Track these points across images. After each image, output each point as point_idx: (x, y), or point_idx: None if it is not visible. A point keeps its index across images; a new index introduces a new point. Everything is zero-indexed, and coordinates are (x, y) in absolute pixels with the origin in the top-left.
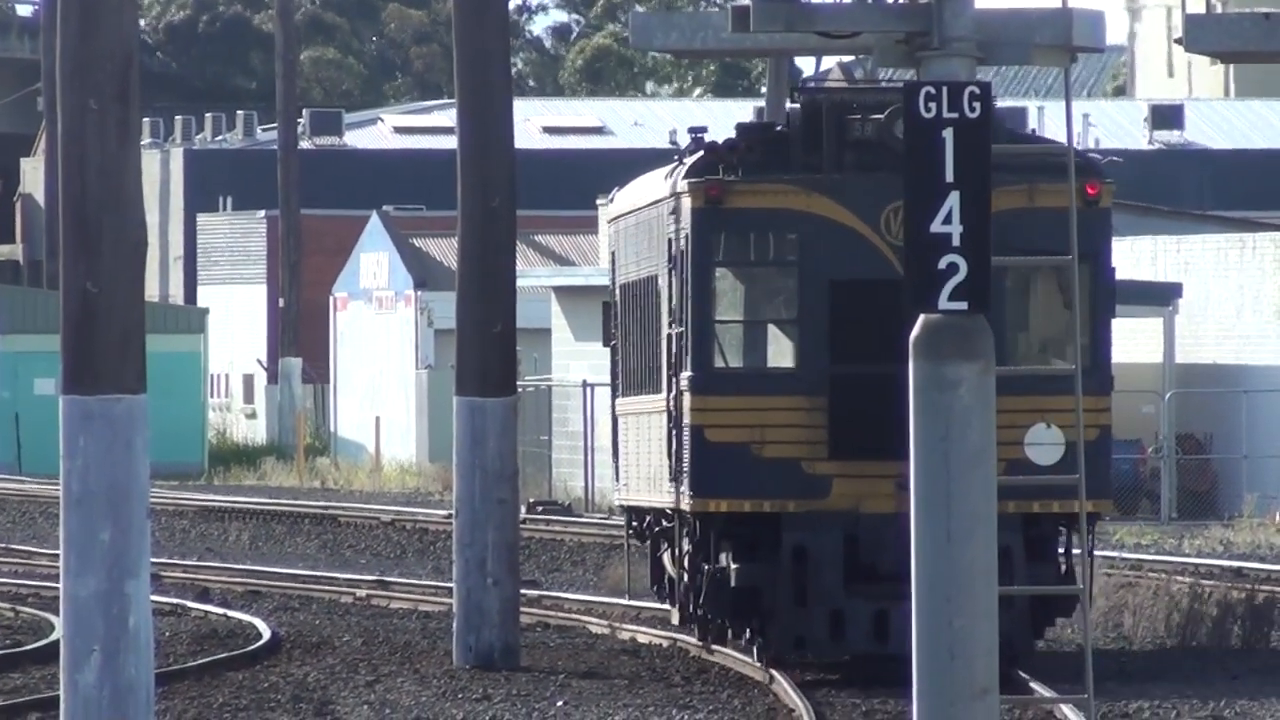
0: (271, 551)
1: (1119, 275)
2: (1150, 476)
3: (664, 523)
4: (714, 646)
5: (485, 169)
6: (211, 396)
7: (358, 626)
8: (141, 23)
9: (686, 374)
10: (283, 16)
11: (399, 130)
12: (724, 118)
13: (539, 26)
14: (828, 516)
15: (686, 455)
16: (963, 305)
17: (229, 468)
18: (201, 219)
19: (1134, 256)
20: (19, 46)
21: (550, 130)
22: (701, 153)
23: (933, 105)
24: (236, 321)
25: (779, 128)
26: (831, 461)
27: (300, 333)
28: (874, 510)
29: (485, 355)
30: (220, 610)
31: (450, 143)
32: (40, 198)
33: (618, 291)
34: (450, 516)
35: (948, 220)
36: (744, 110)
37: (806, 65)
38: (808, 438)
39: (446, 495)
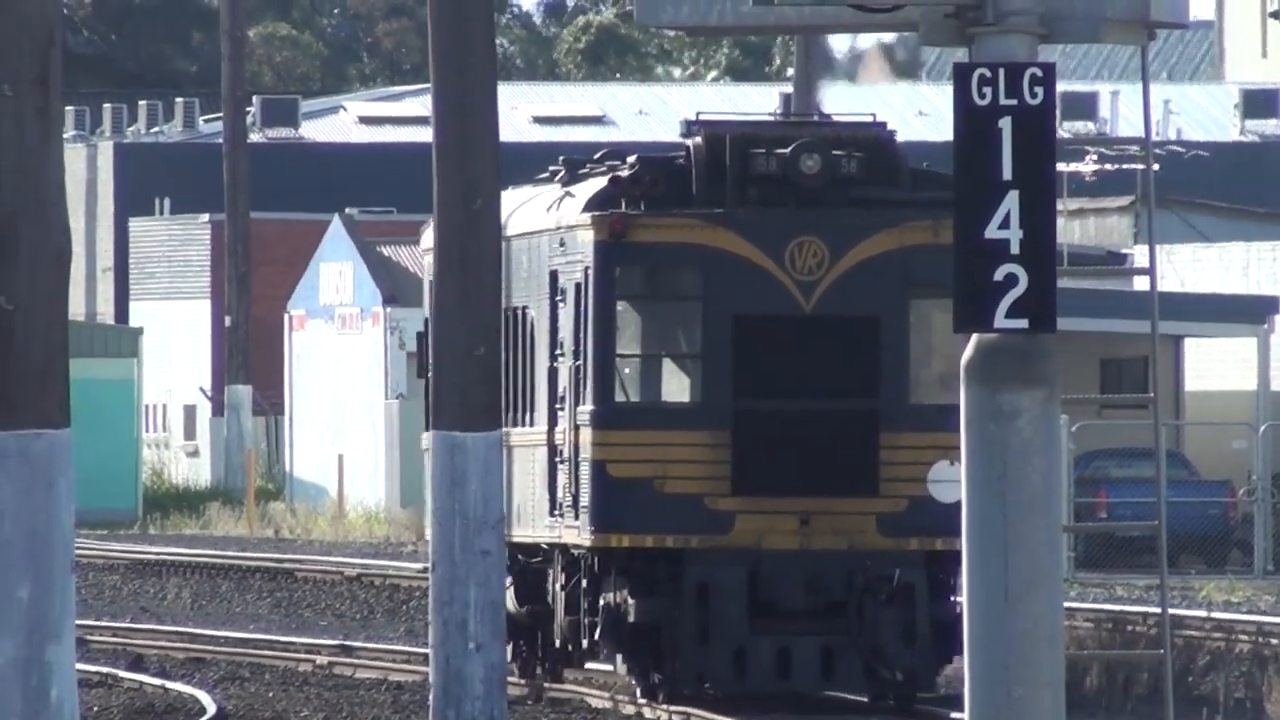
0: (217, 612)
1: (1204, 287)
2: (1241, 523)
3: (525, 558)
4: (548, 684)
5: (466, 165)
6: (146, 431)
7: (318, 700)
8: None
9: (587, 408)
10: None
11: (364, 120)
12: (744, 105)
13: (528, 1)
14: (730, 553)
15: (586, 489)
16: (1022, 323)
17: (167, 514)
18: (134, 224)
19: (1223, 266)
20: None
21: (542, 120)
22: (603, 183)
23: (987, 90)
24: (176, 343)
25: (679, 160)
26: (734, 497)
27: (250, 356)
28: (777, 546)
29: (466, 383)
30: (157, 681)
31: (425, 135)
32: None
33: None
34: (425, 571)
35: (1005, 224)
36: (767, 97)
37: (841, 44)
38: (711, 473)
39: (421, 546)
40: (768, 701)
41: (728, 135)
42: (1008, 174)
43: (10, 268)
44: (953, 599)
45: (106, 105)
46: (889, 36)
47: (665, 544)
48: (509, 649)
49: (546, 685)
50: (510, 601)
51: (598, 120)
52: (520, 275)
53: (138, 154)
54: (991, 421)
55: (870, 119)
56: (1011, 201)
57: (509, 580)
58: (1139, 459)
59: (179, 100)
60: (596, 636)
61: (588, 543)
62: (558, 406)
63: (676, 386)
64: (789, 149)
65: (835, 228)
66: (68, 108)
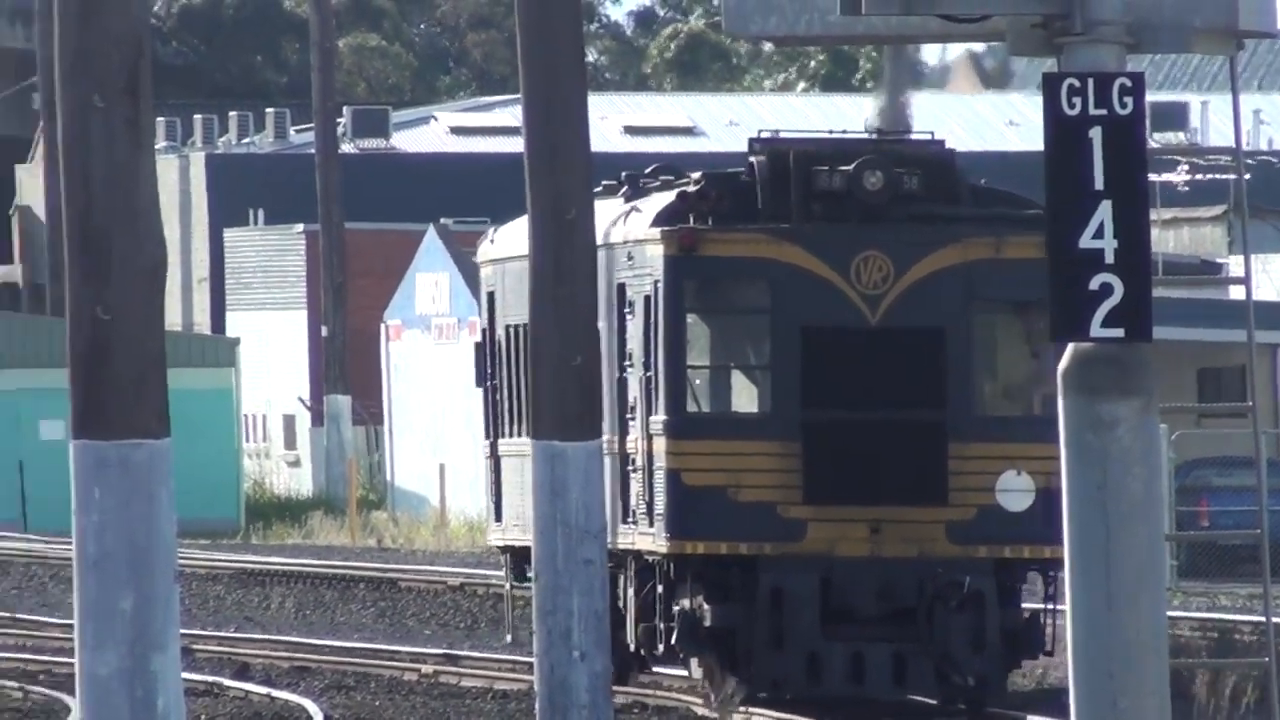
0: (321, 621)
1: None
2: None
3: None
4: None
5: (557, 176)
6: (246, 441)
7: (423, 709)
8: (155, 6)
9: (660, 418)
10: None
11: (456, 130)
12: (834, 115)
13: (618, 11)
14: (803, 559)
15: (660, 497)
16: (1118, 332)
17: (269, 524)
18: (229, 234)
19: None
20: (10, 34)
21: (632, 130)
22: (671, 199)
23: (1077, 100)
24: (273, 353)
25: (744, 176)
26: (806, 506)
27: (347, 366)
28: (848, 554)
29: (564, 392)
30: (263, 690)
31: (516, 145)
32: (40, 210)
33: (504, 332)
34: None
35: (1099, 234)
36: (857, 107)
37: (930, 54)
38: (782, 482)
39: None
40: (841, 706)
41: (791, 152)
42: (1100, 184)
43: (105, 279)
44: (1021, 605)
45: (197, 116)
46: (978, 46)
47: (739, 551)
48: None
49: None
50: None
51: (688, 131)
52: None
53: (230, 165)
54: (1090, 431)
55: (929, 137)
56: (1104, 211)
57: None
58: (1239, 467)
59: (269, 111)
60: (673, 641)
61: (663, 549)
62: (628, 416)
63: (747, 397)
64: (852, 166)
65: (899, 243)
66: (159, 119)
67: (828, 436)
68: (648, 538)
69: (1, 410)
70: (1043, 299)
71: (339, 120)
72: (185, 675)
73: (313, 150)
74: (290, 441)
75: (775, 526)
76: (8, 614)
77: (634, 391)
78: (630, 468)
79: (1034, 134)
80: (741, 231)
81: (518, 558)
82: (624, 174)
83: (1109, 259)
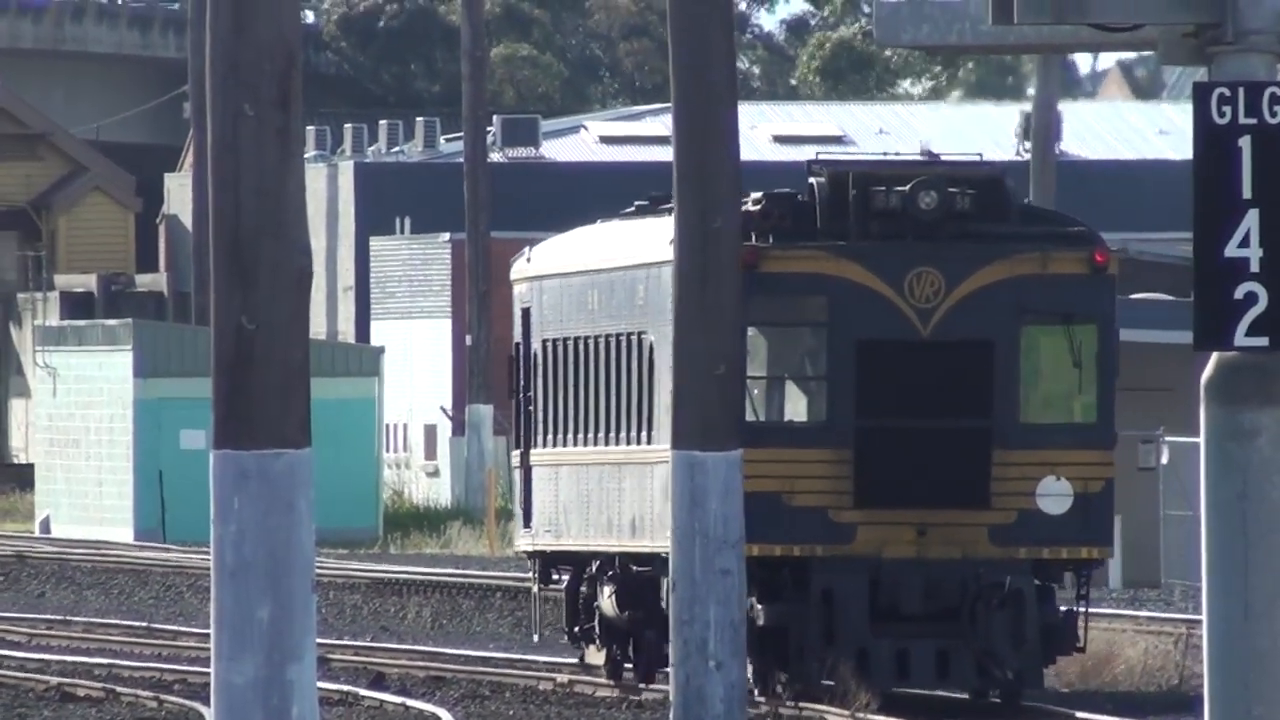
0: (457, 631)
1: None
2: None
3: (633, 566)
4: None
5: (705, 185)
6: (387, 451)
7: (558, 718)
8: (309, 16)
9: None
10: (470, 7)
11: (605, 140)
12: (983, 123)
13: (770, 21)
14: (853, 561)
15: None
16: (1262, 341)
17: (408, 533)
18: (375, 243)
19: None
20: (162, 44)
21: (782, 139)
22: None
23: (1227, 109)
24: (416, 362)
25: (800, 197)
26: (856, 510)
27: (491, 375)
28: (896, 555)
29: (706, 402)
30: (398, 699)
31: (665, 154)
32: (187, 220)
33: (541, 346)
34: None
35: (1244, 243)
36: (1008, 115)
37: (1082, 62)
38: (834, 487)
39: None
40: (959, 709)
41: (850, 173)
42: (1248, 193)
43: (251, 288)
44: (1054, 605)
45: (347, 125)
46: (1129, 55)
47: (793, 553)
48: (603, 654)
49: (790, 706)
50: (610, 607)
51: (837, 140)
52: (635, 303)
53: (379, 174)
54: (1231, 440)
55: (979, 158)
56: (1251, 220)
57: (610, 588)
58: None
59: (419, 120)
60: None
61: None
62: None
63: (802, 406)
64: (908, 186)
65: (951, 259)
66: (309, 127)
67: (878, 444)
68: None
69: (143, 419)
70: (1085, 311)
71: (489, 129)
72: (320, 685)
73: (461, 159)
74: (430, 451)
75: (827, 530)
76: (144, 624)
77: None
78: None
79: (1184, 143)
80: (801, 248)
81: (545, 563)
82: (651, 195)
83: (1254, 268)
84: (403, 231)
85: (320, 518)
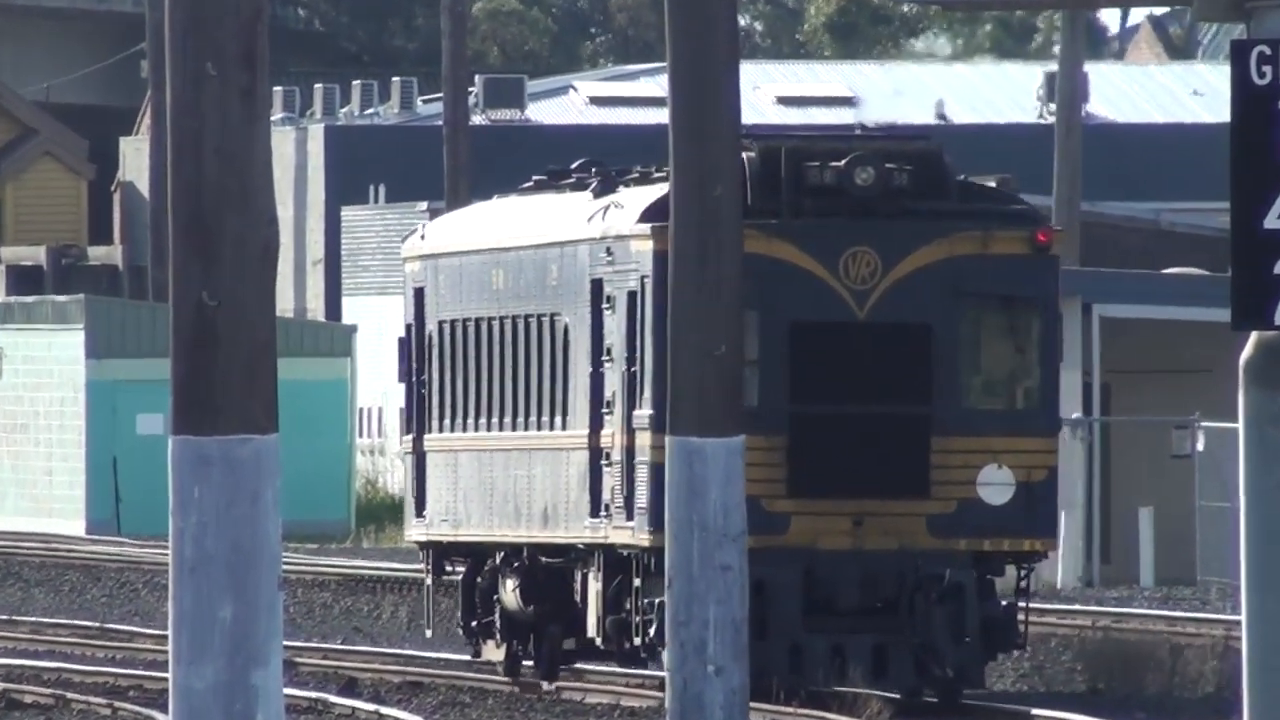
0: (436, 632)
1: None
2: None
3: (542, 558)
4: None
5: (704, 150)
6: (360, 436)
7: None
8: None
9: (645, 412)
10: None
11: (595, 101)
12: (1003, 84)
13: None
14: (786, 552)
15: (643, 491)
16: None
17: (382, 526)
18: (347, 213)
19: None
20: None
21: (787, 101)
22: (659, 194)
23: (1267, 69)
24: (392, 342)
25: None
26: (790, 499)
27: None
28: (831, 547)
29: (704, 384)
30: (371, 707)
31: (660, 116)
32: (144, 187)
33: (448, 327)
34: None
35: None
36: (1030, 76)
37: (1111, 20)
38: (767, 475)
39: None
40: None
41: (783, 148)
42: None
43: (213, 261)
44: (995, 599)
45: (318, 85)
46: (1161, 10)
47: None
48: (503, 649)
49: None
50: (513, 600)
51: (847, 101)
52: (548, 284)
53: (351, 137)
54: (1272, 425)
55: (918, 133)
56: None
57: (514, 580)
58: None
59: (395, 80)
60: (651, 634)
61: (645, 543)
62: (604, 411)
63: None
64: (843, 162)
65: (888, 238)
66: (276, 88)
67: (813, 430)
68: (625, 531)
69: (96, 403)
70: (1028, 294)
71: (470, 90)
72: (287, 691)
73: (441, 122)
74: None
75: (759, 519)
76: (97, 624)
77: (611, 387)
78: (604, 462)
79: (1220, 105)
80: None
81: (438, 553)
82: (548, 168)
83: None
84: (377, 200)
85: (288, 509)
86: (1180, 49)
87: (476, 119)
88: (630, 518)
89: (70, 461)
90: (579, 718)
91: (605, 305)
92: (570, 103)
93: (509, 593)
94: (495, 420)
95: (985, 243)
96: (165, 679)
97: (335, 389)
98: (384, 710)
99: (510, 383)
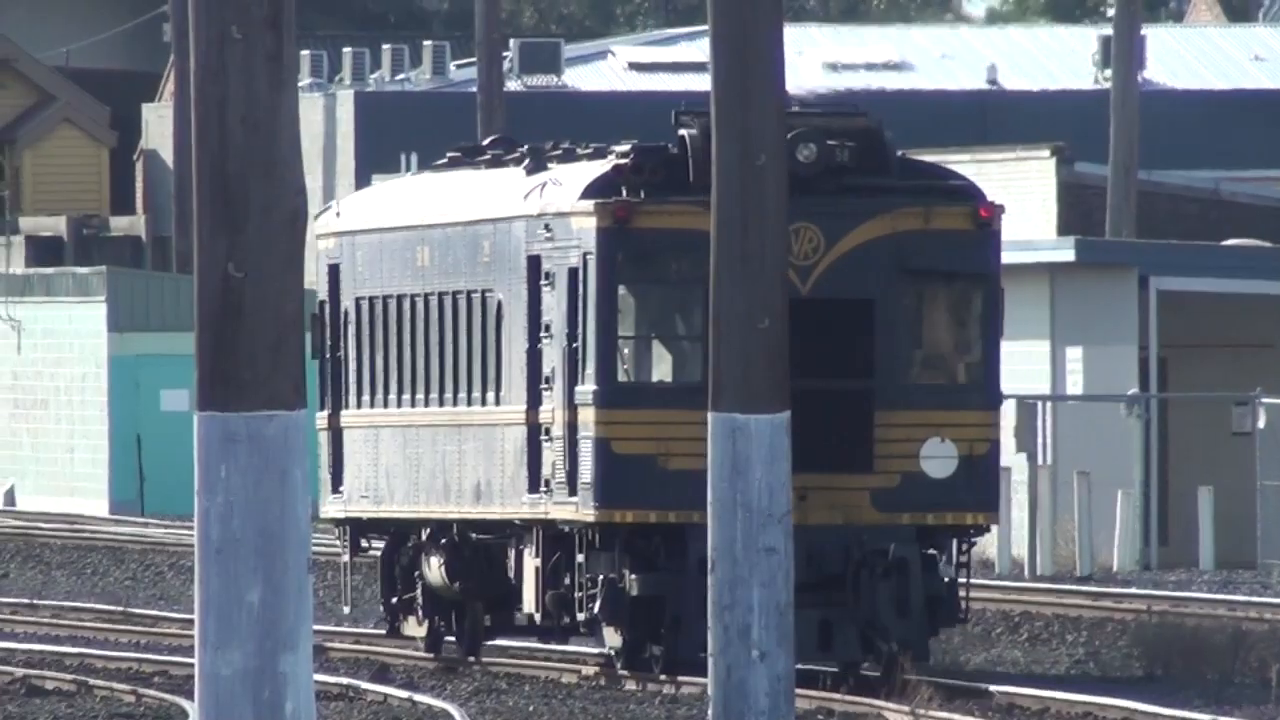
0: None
1: None
2: None
3: (470, 534)
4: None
5: (747, 117)
6: None
7: (583, 715)
8: None
9: (589, 388)
10: None
11: (634, 66)
12: (1055, 48)
13: None
14: None
15: (587, 466)
16: None
17: None
18: (378, 181)
19: None
20: None
21: (834, 66)
22: (600, 171)
23: None
24: None
25: (673, 149)
26: None
27: None
28: None
29: (748, 358)
30: (404, 694)
31: (702, 83)
32: (168, 155)
33: (366, 304)
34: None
35: None
36: (1084, 39)
37: None
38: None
39: None
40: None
41: None
42: None
43: (239, 231)
44: (938, 573)
45: (347, 50)
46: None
47: (668, 519)
48: (424, 626)
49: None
50: (438, 577)
51: (895, 66)
52: (480, 260)
53: (381, 104)
54: None
55: (856, 109)
56: None
57: (439, 557)
58: None
59: (427, 44)
60: (595, 610)
61: (590, 518)
62: (543, 387)
63: (678, 367)
64: (785, 139)
65: (830, 214)
66: (304, 52)
67: None
68: (567, 507)
69: (119, 379)
70: (969, 268)
71: (505, 54)
72: (317, 677)
73: (474, 88)
74: None
75: (704, 495)
76: (120, 608)
77: (551, 363)
78: (544, 438)
79: None
80: (674, 204)
81: (355, 530)
82: (460, 144)
83: None
84: (408, 168)
85: (317, 488)
86: (1240, 11)
87: (511, 85)
88: (573, 493)
89: (92, 439)
90: (619, 704)
91: (544, 281)
92: (609, 68)
93: (433, 569)
94: (420, 396)
95: (927, 218)
96: (191, 665)
97: None
98: (417, 697)
99: (437, 359)
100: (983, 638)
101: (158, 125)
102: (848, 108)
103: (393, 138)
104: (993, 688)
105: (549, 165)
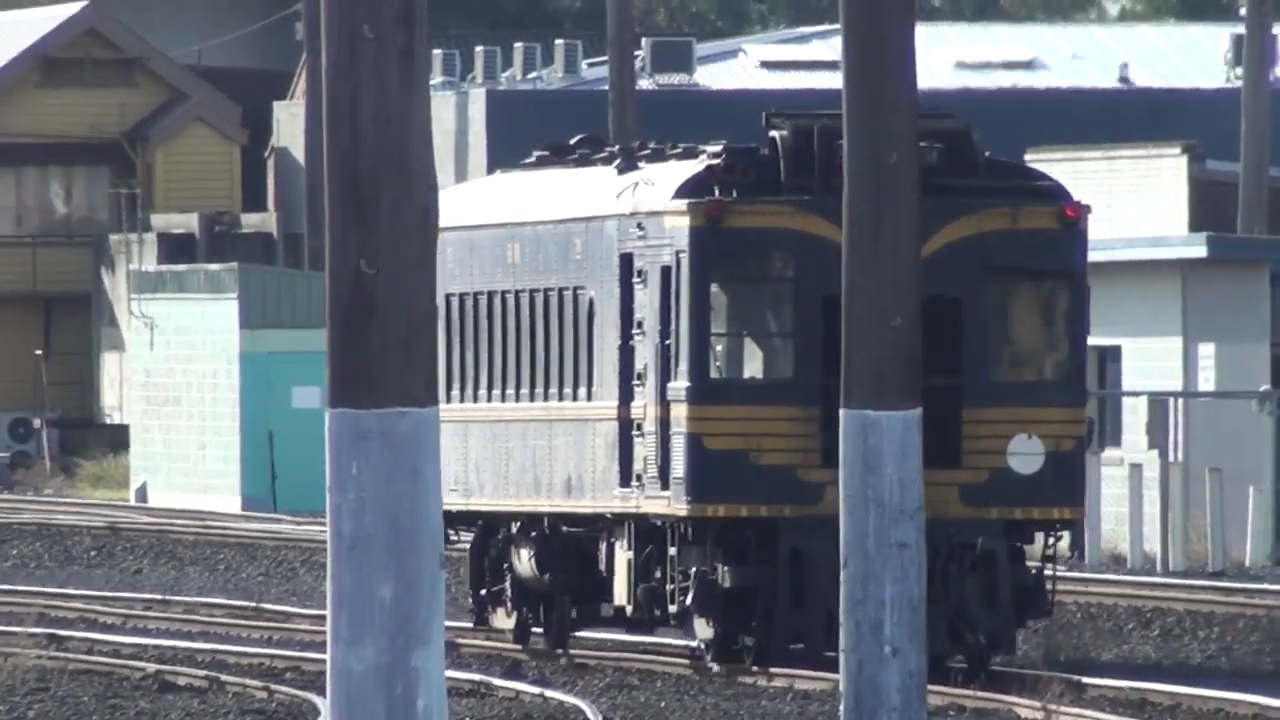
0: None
1: None
2: None
3: (563, 527)
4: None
5: (879, 115)
6: None
7: (714, 710)
8: None
9: (681, 384)
10: None
11: (766, 65)
12: (1187, 47)
13: None
14: (821, 521)
15: (679, 461)
16: None
17: None
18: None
19: None
20: None
21: (965, 66)
22: (693, 171)
23: None
24: None
25: (764, 151)
26: (824, 469)
27: None
28: None
29: (880, 355)
30: (535, 690)
31: (833, 81)
32: (299, 153)
33: (457, 300)
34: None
35: None
36: (1216, 38)
37: None
38: (802, 446)
39: None
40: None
41: (814, 127)
42: None
43: (371, 229)
44: (1025, 565)
45: (478, 48)
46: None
47: (760, 514)
48: (513, 618)
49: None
50: (528, 569)
51: (1027, 65)
52: (571, 257)
53: (513, 102)
54: None
55: (948, 114)
56: None
57: (529, 550)
58: None
59: (559, 43)
60: (689, 602)
61: (682, 512)
62: (634, 383)
63: (769, 364)
64: (917, 137)
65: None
66: (436, 50)
67: None
68: (659, 501)
69: (251, 376)
70: (1056, 267)
71: (636, 53)
72: (449, 673)
73: (606, 86)
74: None
75: (795, 489)
76: (253, 604)
77: (643, 359)
78: (636, 433)
79: None
80: (766, 203)
81: (445, 523)
82: (548, 143)
83: None
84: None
85: None
86: None
87: (643, 83)
88: (665, 487)
89: (224, 436)
90: (750, 700)
91: (636, 279)
92: (740, 66)
93: (523, 561)
94: (511, 391)
95: (1014, 218)
96: (323, 661)
97: None
98: (549, 693)
99: (528, 355)
100: (1114, 633)
101: (289, 123)
102: (937, 109)
103: (524, 136)
104: (1124, 683)
105: (639, 165)
